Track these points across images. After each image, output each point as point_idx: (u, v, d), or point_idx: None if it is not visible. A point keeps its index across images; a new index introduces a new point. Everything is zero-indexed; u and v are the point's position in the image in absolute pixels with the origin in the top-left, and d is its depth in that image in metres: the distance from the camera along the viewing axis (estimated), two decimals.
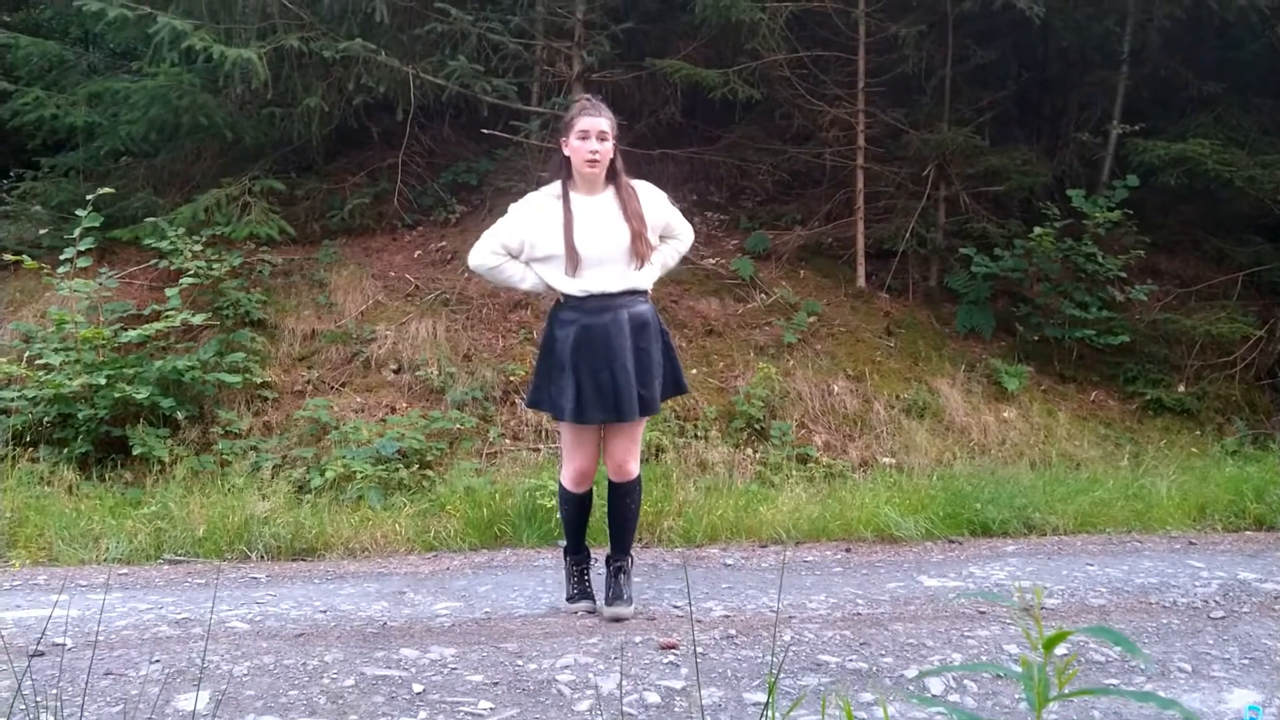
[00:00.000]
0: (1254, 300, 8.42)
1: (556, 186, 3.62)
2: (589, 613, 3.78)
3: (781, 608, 3.85)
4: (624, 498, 3.73)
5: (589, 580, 3.88)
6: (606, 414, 3.54)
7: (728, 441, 6.40)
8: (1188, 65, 8.57)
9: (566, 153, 3.57)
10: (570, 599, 3.86)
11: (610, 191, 3.61)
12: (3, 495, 5.08)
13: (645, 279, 3.63)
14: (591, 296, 3.54)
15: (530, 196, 3.67)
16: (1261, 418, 7.67)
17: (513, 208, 3.67)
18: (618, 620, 3.66)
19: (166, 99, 7.29)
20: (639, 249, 3.54)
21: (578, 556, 3.88)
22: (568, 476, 3.73)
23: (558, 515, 4.25)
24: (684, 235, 3.82)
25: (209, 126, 7.52)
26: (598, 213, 3.56)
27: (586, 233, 3.53)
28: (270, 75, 7.04)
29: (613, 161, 3.58)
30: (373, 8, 7.18)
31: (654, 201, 3.68)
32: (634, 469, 3.69)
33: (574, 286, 3.55)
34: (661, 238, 3.74)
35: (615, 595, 3.73)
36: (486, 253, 3.65)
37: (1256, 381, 7.99)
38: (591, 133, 3.51)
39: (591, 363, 3.51)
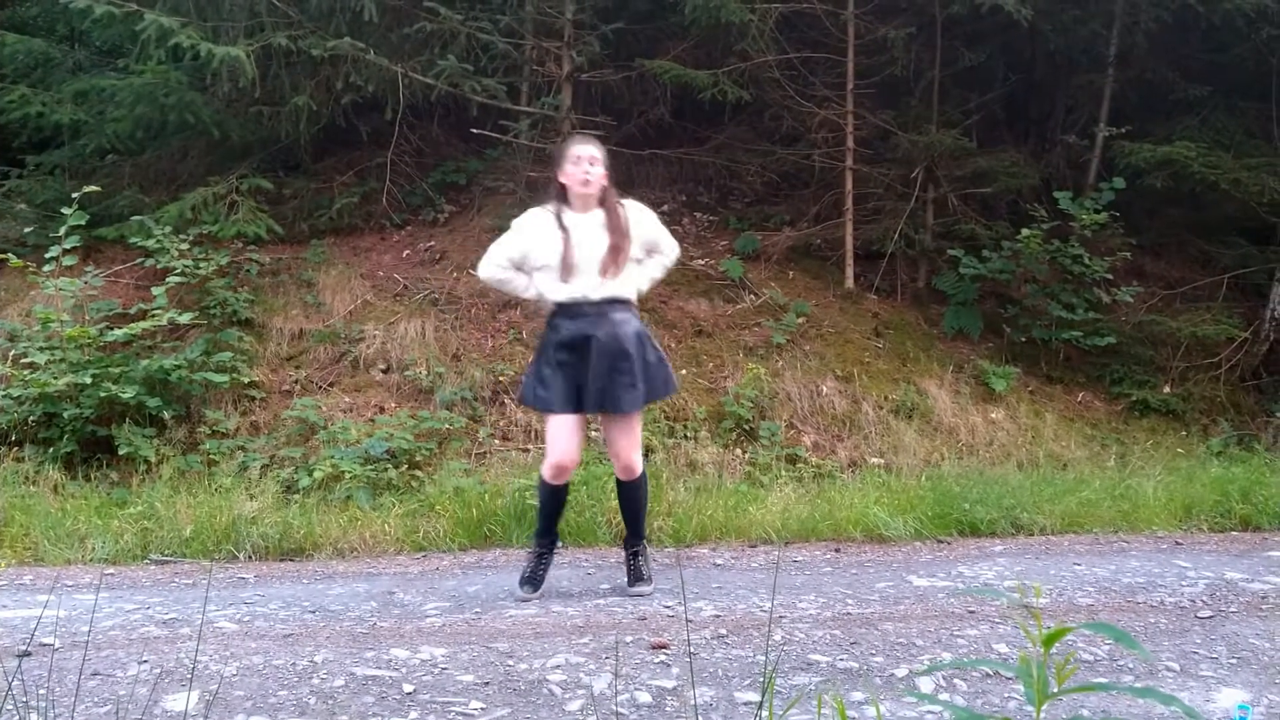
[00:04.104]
0: (1239, 302, 8.46)
1: (555, 205, 4.02)
2: (524, 600, 3.97)
3: (772, 607, 3.85)
4: (632, 493, 4.12)
5: (545, 567, 4.11)
6: (575, 405, 3.88)
7: (717, 442, 6.40)
8: (1174, 68, 8.61)
9: (562, 180, 3.98)
10: (521, 581, 4.06)
11: (600, 212, 3.98)
12: None
13: (625, 288, 3.97)
14: (574, 302, 3.90)
15: (531, 211, 4.09)
16: (1246, 419, 7.71)
17: (515, 223, 4.10)
18: (640, 597, 4.03)
19: (153, 97, 7.25)
20: (615, 259, 3.90)
21: (543, 540, 4.13)
22: (547, 468, 4.02)
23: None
24: (669, 251, 4.22)
25: (196, 125, 7.47)
26: (585, 228, 3.94)
27: (575, 245, 3.91)
28: (258, 73, 7.00)
29: (605, 188, 3.98)
30: (361, 6, 7.14)
31: (641, 219, 4.08)
32: (637, 466, 4.03)
33: (561, 293, 3.92)
34: (649, 253, 4.13)
35: (636, 577, 4.13)
36: (494, 267, 4.09)
37: (1241, 383, 8.03)
38: (584, 158, 3.93)
39: (572, 359, 3.88)
